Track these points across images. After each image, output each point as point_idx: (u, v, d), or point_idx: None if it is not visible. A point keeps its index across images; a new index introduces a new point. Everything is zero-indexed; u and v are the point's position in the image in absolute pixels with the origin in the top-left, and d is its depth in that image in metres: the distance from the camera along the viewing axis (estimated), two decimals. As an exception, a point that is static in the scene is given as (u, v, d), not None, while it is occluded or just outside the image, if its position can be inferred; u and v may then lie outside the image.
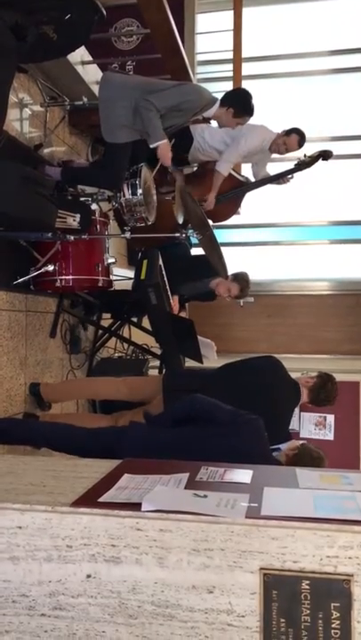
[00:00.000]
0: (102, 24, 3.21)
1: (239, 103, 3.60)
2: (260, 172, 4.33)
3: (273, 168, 4.39)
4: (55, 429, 2.70)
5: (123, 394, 3.35)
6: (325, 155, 4.08)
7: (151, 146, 3.28)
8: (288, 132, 4.00)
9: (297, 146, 4.04)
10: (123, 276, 4.30)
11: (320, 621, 1.21)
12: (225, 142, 4.01)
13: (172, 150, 3.40)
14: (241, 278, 4.07)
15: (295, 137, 4.00)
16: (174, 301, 3.96)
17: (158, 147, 3.27)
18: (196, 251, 4.30)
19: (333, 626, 1.20)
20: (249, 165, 4.46)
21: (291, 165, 4.25)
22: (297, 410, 5.61)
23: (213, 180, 4.02)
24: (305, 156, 4.10)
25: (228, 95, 3.67)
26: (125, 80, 3.47)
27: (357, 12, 5.92)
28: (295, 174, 4.23)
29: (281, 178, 4.23)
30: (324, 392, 3.24)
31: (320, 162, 4.13)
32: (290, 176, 4.22)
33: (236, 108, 3.57)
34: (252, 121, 3.79)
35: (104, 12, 2.88)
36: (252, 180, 4.39)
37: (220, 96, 3.62)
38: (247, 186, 4.30)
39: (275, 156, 4.28)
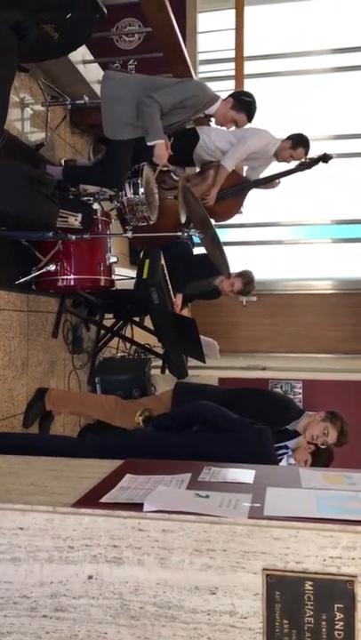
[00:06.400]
0: (104, 23, 3.21)
1: (240, 97, 3.63)
2: (253, 177, 4.36)
3: (273, 167, 4.40)
4: (59, 445, 2.65)
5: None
6: (325, 158, 4.19)
7: (148, 143, 3.27)
8: (295, 146, 4.07)
9: (304, 155, 4.16)
10: (125, 275, 4.30)
11: (323, 623, 1.20)
12: (231, 143, 4.02)
13: (172, 149, 3.39)
14: (245, 275, 4.08)
15: (302, 150, 4.12)
16: (177, 300, 3.95)
17: (155, 145, 3.26)
18: (199, 250, 4.30)
19: (337, 627, 1.19)
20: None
21: (288, 167, 4.28)
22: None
23: (217, 175, 4.03)
24: (306, 158, 4.16)
25: (233, 92, 3.80)
26: (128, 78, 3.46)
27: (360, 9, 5.91)
28: (292, 175, 4.29)
29: (281, 177, 4.27)
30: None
31: (320, 164, 4.23)
32: (277, 180, 4.28)
33: (236, 100, 3.59)
34: (256, 124, 3.85)
35: (105, 11, 2.88)
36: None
37: (223, 94, 3.63)
38: (249, 183, 4.30)
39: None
